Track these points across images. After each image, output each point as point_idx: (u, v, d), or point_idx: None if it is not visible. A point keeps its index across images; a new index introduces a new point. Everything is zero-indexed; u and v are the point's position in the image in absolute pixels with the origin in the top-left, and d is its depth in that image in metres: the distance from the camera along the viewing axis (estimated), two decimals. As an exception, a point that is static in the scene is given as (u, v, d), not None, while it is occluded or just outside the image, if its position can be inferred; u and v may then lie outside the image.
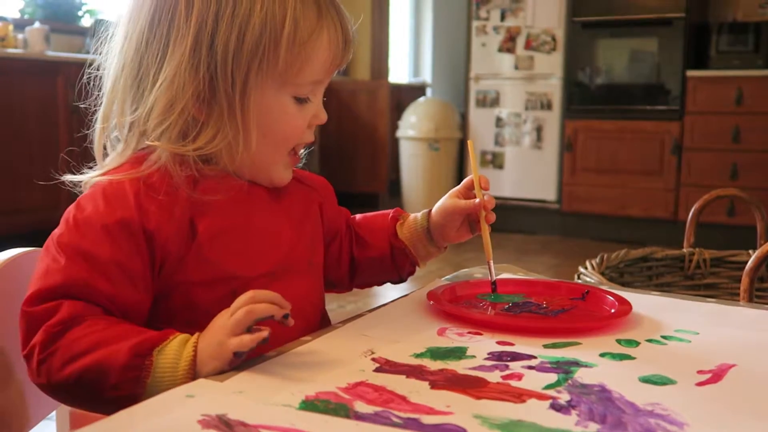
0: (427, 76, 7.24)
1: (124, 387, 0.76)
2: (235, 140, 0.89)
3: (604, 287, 1.07)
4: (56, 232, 0.85)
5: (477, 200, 1.04)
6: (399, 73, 7.22)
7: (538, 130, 5.28)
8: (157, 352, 0.77)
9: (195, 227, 0.87)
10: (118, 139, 0.93)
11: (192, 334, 0.78)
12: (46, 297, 0.80)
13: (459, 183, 1.08)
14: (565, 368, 0.75)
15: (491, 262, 1.03)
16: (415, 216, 1.11)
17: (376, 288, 1.06)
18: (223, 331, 0.75)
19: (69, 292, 0.81)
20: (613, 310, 0.94)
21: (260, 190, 0.95)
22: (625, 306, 0.94)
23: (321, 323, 1.00)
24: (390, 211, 1.13)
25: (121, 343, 0.77)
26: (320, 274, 1.03)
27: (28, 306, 0.81)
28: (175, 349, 0.77)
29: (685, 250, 1.82)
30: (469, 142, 1.15)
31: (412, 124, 5.67)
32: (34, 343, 0.79)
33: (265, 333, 0.74)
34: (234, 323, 0.75)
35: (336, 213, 1.10)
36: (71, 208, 0.87)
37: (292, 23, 0.88)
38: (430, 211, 1.09)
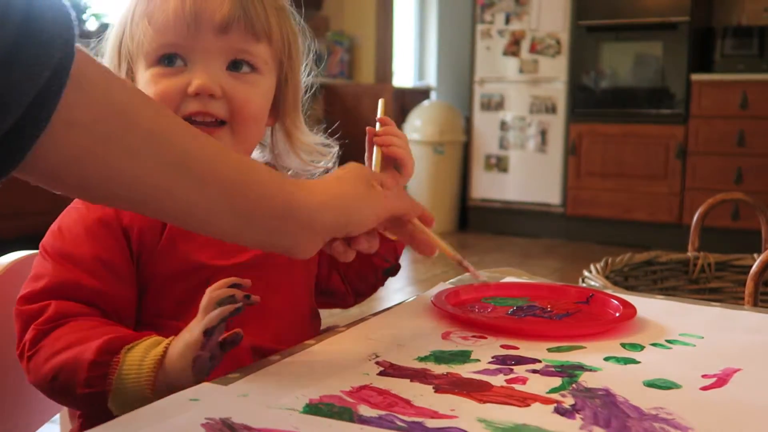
0: (431, 79, 7.24)
1: (94, 383, 0.77)
2: None
3: (608, 291, 1.07)
4: (44, 240, 0.89)
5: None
6: (403, 76, 7.22)
7: (543, 133, 5.28)
8: (126, 350, 0.78)
9: None
10: None
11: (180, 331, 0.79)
12: (36, 298, 0.83)
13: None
14: (569, 372, 0.74)
15: (462, 260, 0.87)
16: None
17: (380, 292, 1.06)
18: (191, 325, 0.77)
19: (58, 292, 0.83)
20: (617, 314, 0.94)
21: None
22: (629, 310, 0.94)
23: (311, 317, 1.00)
24: None
25: (97, 340, 0.78)
26: (308, 268, 1.01)
27: (20, 305, 0.83)
28: (145, 348, 0.78)
29: (689, 254, 1.82)
30: (380, 100, 1.07)
31: (417, 128, 5.67)
32: (25, 341, 0.81)
33: (233, 306, 0.75)
34: (199, 313, 0.76)
35: None
36: (59, 217, 0.91)
37: (135, 3, 0.92)
38: None
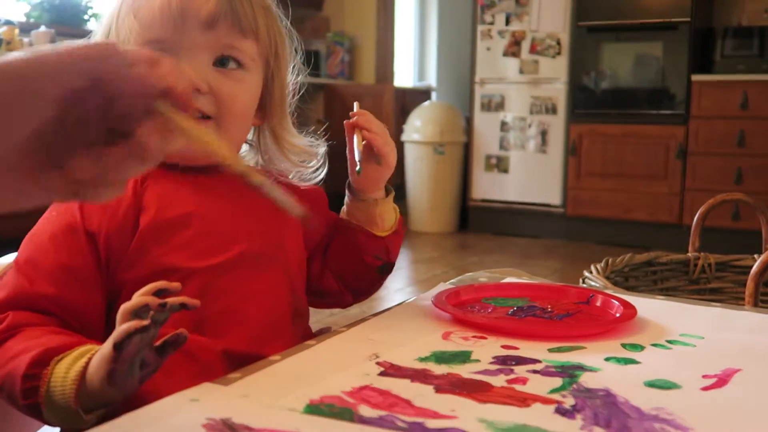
0: (432, 80, 7.24)
1: (30, 395, 0.76)
2: None
3: (608, 291, 1.07)
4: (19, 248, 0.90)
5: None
6: (404, 77, 7.22)
7: (543, 134, 5.28)
8: (56, 362, 0.77)
9: (138, 221, 0.89)
10: None
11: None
12: None
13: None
14: (569, 372, 0.74)
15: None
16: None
17: (380, 292, 1.05)
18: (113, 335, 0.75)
19: (15, 302, 0.84)
20: (617, 315, 0.94)
21: (217, 181, 0.94)
22: (629, 310, 0.94)
23: (293, 318, 0.96)
24: None
25: (34, 351, 0.77)
26: (293, 271, 0.99)
27: None
28: (72, 359, 0.77)
29: (690, 254, 1.82)
30: (356, 103, 1.06)
31: (417, 128, 5.67)
32: None
33: (144, 321, 0.71)
34: (117, 320, 0.74)
35: (323, 222, 1.08)
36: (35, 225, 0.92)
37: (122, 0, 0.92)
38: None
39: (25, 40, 4.36)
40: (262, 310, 0.92)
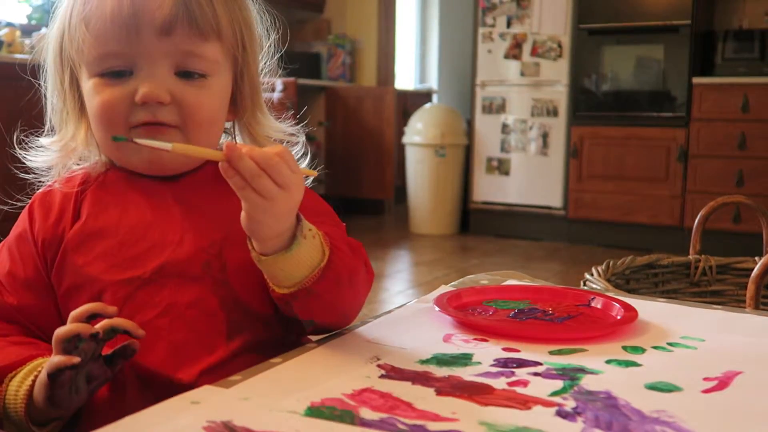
0: (433, 82, 7.24)
1: None
2: (70, 129, 0.91)
3: (610, 294, 1.07)
4: None
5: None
6: (405, 79, 7.23)
7: (544, 136, 5.27)
8: (9, 379, 0.79)
9: (65, 232, 0.88)
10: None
11: None
12: None
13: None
14: (570, 375, 0.74)
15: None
16: None
17: (381, 294, 1.04)
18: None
19: None
20: (619, 317, 0.94)
21: (159, 186, 0.90)
22: (630, 313, 0.94)
23: (230, 338, 0.86)
24: None
25: None
26: (236, 283, 0.87)
27: None
28: (22, 376, 0.79)
29: (691, 256, 1.82)
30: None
31: (419, 131, 5.67)
32: None
33: (75, 360, 0.71)
34: (53, 348, 0.74)
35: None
36: None
37: (73, 3, 0.87)
38: None
39: (26, 42, 4.36)
40: (183, 328, 0.84)
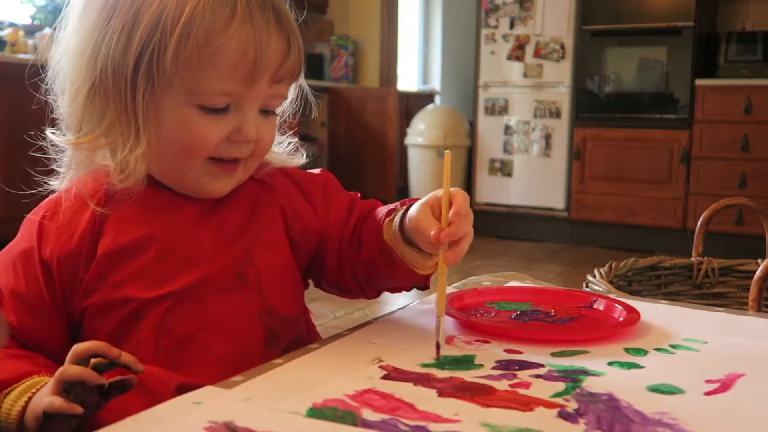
0: (436, 83, 7.24)
1: None
2: (126, 141, 0.84)
3: (612, 296, 1.07)
4: None
5: (434, 232, 0.80)
6: (408, 80, 7.23)
7: (547, 138, 5.27)
8: (5, 395, 0.79)
9: (96, 247, 0.85)
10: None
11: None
12: None
13: (468, 190, 1.05)
14: (573, 377, 0.74)
15: (442, 320, 0.80)
16: (397, 211, 0.91)
17: (383, 295, 1.03)
18: (49, 384, 0.75)
19: None
20: (621, 319, 0.94)
21: (184, 201, 0.89)
22: (633, 315, 0.94)
23: (266, 340, 0.88)
24: (394, 204, 0.95)
25: None
26: (268, 290, 0.90)
27: None
28: (17, 394, 0.79)
29: (693, 258, 1.81)
30: (446, 152, 0.88)
31: (421, 132, 5.67)
32: None
33: (77, 410, 0.71)
34: (53, 381, 0.74)
35: (323, 211, 0.97)
36: None
37: (187, 23, 0.80)
38: (408, 208, 0.89)
39: (30, 42, 4.37)
40: (225, 338, 0.86)
